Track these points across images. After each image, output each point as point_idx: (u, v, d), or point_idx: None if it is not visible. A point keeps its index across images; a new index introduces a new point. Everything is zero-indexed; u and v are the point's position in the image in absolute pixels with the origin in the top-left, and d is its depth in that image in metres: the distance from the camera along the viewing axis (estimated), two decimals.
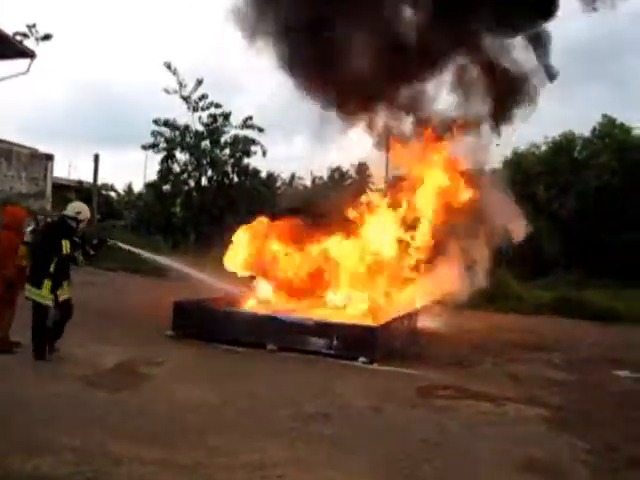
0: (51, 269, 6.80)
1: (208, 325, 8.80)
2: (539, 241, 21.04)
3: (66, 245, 6.83)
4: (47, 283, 6.79)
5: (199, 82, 25.66)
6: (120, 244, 9.05)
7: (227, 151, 26.69)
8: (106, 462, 4.08)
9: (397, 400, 6.29)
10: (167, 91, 25.47)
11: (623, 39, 50.26)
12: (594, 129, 25.21)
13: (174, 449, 4.44)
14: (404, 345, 9.28)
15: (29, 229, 7.37)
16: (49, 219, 7.46)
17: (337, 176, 33.28)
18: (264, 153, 26.47)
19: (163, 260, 11.70)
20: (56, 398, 5.54)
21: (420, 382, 7.09)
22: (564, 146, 25.41)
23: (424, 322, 11.23)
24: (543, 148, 26.24)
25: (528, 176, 24.02)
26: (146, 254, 10.85)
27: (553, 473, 4.58)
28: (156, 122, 25.88)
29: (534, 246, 20.23)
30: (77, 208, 7.25)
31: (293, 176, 34.88)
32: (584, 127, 25.92)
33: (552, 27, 11.37)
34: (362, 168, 28.95)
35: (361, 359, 7.91)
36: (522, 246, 12.60)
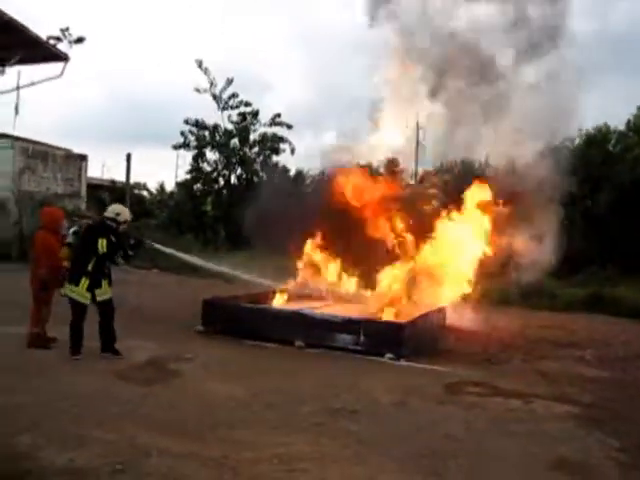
0: (89, 267, 6.99)
1: (237, 321, 8.92)
2: (572, 236, 20.59)
3: (102, 243, 6.99)
4: (84, 281, 6.99)
5: (229, 81, 25.92)
6: (159, 246, 9.29)
7: (256, 149, 26.86)
8: (136, 454, 4.20)
9: (424, 397, 6.28)
10: (198, 90, 25.79)
11: None
12: (628, 122, 24.58)
13: (202, 442, 4.54)
14: (432, 341, 9.22)
15: (72, 230, 7.56)
16: (91, 221, 7.63)
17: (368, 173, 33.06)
18: (292, 151, 26.56)
19: (204, 264, 12.09)
20: (89, 392, 5.72)
21: (448, 379, 7.05)
22: (598, 139, 24.85)
23: (453, 319, 11.13)
24: (577, 141, 25.68)
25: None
26: (189, 258, 11.57)
27: (582, 471, 4.52)
28: (187, 122, 26.24)
29: (567, 242, 19.82)
30: (116, 210, 7.45)
31: (322, 173, 34.80)
32: (619, 120, 25.29)
33: (587, 19, 11.12)
34: (392, 164, 28.71)
35: (388, 355, 7.90)
36: (555, 242, 12.34)
